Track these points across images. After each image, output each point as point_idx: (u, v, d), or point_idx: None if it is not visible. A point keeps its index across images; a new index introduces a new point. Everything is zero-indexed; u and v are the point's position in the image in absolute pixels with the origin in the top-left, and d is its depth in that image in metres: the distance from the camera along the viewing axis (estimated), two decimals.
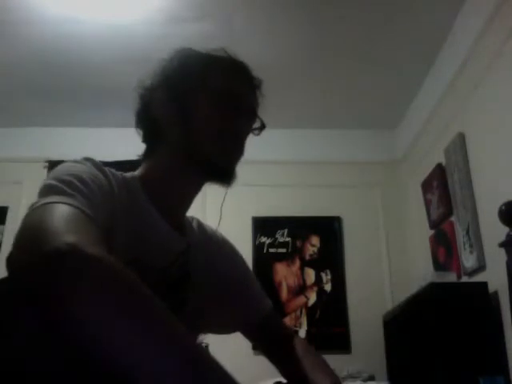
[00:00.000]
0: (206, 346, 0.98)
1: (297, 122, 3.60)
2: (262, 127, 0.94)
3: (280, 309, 3.23)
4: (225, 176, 0.90)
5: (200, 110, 0.88)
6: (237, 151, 0.90)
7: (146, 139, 0.94)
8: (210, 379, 0.52)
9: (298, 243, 3.45)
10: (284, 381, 0.98)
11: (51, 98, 3.30)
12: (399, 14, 2.61)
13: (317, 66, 3.04)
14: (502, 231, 1.87)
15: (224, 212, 3.28)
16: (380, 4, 2.56)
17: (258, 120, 0.94)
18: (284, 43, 2.85)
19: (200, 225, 1.02)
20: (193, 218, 1.01)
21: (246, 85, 0.94)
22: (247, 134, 0.92)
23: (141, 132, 0.94)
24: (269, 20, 2.69)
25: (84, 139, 3.47)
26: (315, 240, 3.46)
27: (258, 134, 0.94)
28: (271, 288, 3.28)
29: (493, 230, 2.15)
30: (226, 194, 0.99)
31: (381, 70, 3.05)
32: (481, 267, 2.40)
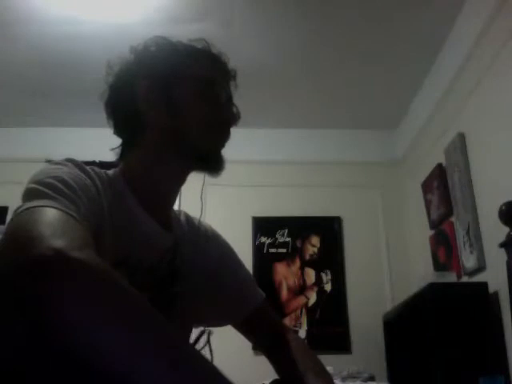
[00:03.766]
0: (209, 334, 0.97)
1: (296, 122, 3.60)
2: (239, 117, 0.94)
3: (280, 309, 3.23)
4: (214, 164, 0.90)
5: (185, 97, 0.89)
6: (224, 138, 0.92)
7: (122, 130, 0.92)
8: (199, 379, 0.52)
9: (298, 243, 3.45)
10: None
11: (51, 97, 3.30)
12: (399, 14, 2.61)
13: (317, 66, 3.03)
14: (502, 231, 1.87)
15: (224, 212, 3.30)
16: (380, 4, 2.56)
17: (235, 110, 0.95)
18: (284, 43, 2.85)
19: (188, 218, 1.01)
20: (180, 212, 1.00)
21: (226, 75, 0.95)
22: (233, 121, 0.93)
23: (112, 123, 0.92)
24: (269, 20, 2.69)
25: (84, 139, 3.47)
26: (315, 240, 3.46)
27: (237, 124, 0.95)
28: (271, 288, 3.29)
29: (493, 230, 2.15)
30: (204, 182, 0.98)
31: (381, 70, 3.05)
32: (481, 267, 2.40)
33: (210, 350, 0.90)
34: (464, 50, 2.58)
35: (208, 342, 0.97)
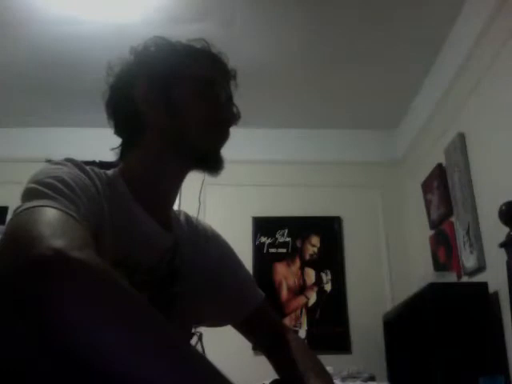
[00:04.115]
0: (200, 335, 0.97)
1: (296, 122, 3.60)
2: (239, 117, 0.94)
3: (280, 309, 3.23)
4: (213, 163, 0.90)
5: (184, 97, 0.89)
6: (223, 138, 0.92)
7: (122, 130, 0.93)
8: (199, 379, 0.52)
9: (298, 243, 3.45)
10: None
11: (51, 97, 3.30)
12: (399, 14, 2.61)
13: (317, 65, 3.03)
14: (502, 231, 1.87)
15: (224, 212, 3.30)
16: (380, 4, 2.56)
17: (235, 109, 0.95)
18: (284, 43, 2.85)
19: (187, 218, 1.01)
20: (180, 212, 1.00)
21: (226, 74, 0.95)
22: (233, 121, 0.93)
23: (113, 123, 0.92)
24: (269, 20, 2.69)
25: (84, 139, 3.47)
26: (315, 240, 3.46)
27: (237, 124, 0.95)
28: (271, 288, 3.29)
29: (493, 230, 2.15)
30: (203, 182, 0.98)
31: (381, 70, 3.05)
32: (481, 267, 2.40)
33: (202, 352, 0.89)
34: (464, 50, 2.58)
35: (200, 343, 0.97)
